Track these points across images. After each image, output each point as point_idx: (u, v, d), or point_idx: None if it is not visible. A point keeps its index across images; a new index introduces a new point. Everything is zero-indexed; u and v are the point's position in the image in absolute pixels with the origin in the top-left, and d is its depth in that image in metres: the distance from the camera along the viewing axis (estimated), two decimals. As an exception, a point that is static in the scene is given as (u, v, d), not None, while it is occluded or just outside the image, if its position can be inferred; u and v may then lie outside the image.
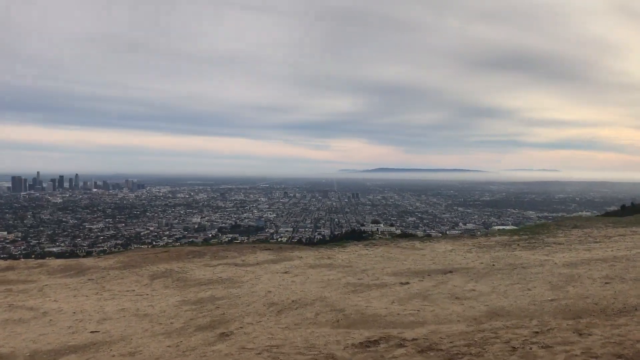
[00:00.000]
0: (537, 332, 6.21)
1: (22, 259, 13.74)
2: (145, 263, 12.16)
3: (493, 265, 10.69)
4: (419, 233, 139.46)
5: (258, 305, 8.19)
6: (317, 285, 9.39)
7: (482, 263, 11.02)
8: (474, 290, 8.66)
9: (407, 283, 9.33)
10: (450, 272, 10.30)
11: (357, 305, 7.89)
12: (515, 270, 10.07)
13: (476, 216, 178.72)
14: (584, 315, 7.01)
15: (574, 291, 8.30)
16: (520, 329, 6.45)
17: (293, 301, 8.30)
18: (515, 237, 16.39)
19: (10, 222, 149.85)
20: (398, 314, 7.38)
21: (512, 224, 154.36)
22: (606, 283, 8.67)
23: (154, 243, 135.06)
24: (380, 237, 16.06)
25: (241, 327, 7.01)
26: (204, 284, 9.95)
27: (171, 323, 7.37)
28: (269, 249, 13.97)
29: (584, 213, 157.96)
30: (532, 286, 8.69)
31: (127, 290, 9.57)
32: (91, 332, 7.08)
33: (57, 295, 9.32)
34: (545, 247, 13.72)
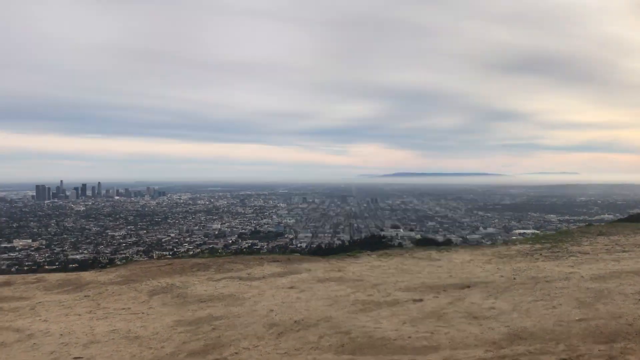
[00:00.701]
0: (564, 359, 5.51)
1: (21, 274, 13.29)
2: (147, 277, 11.64)
3: (514, 278, 9.92)
4: (439, 237, 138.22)
5: (258, 326, 7.58)
6: (323, 303, 8.75)
7: (502, 276, 10.25)
8: (493, 308, 7.92)
9: (421, 300, 8.63)
10: (468, 286, 9.56)
11: (365, 327, 7.23)
12: (538, 285, 9.28)
13: (496, 220, 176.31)
14: (617, 339, 6.25)
15: (605, 309, 7.52)
16: (546, 355, 5.74)
17: (296, 322, 7.67)
18: (538, 246, 15.50)
19: (35, 230, 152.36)
20: (409, 337, 6.70)
21: (533, 228, 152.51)
22: (640, 300, 7.88)
23: (175, 249, 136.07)
24: (395, 247, 15.25)
25: (236, 353, 6.42)
26: (203, 301, 9.37)
27: (162, 347, 6.80)
28: (277, 261, 13.35)
29: (607, 216, 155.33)
30: (558, 303, 7.93)
31: (123, 308, 9.03)
32: (74, 358, 6.55)
33: (48, 314, 8.82)
34: (569, 257, 12.85)
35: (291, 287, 10.28)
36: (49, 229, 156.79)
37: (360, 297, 9.12)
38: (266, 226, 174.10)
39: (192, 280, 11.46)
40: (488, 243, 16.64)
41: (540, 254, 13.77)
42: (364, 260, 13.84)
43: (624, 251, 13.51)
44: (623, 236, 16.82)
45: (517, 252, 14.44)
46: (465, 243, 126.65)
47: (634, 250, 13.60)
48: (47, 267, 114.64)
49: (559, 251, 14.19)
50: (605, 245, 14.95)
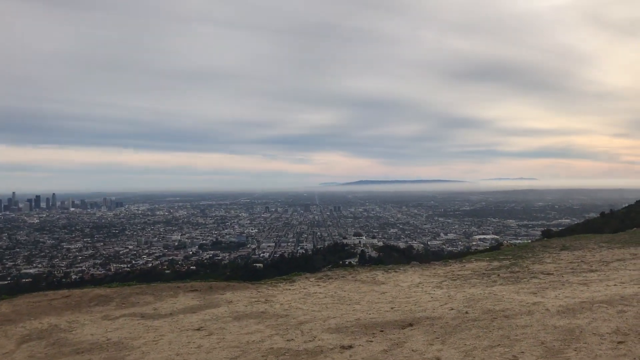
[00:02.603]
0: None
1: None
2: (30, 316, 9.49)
3: (466, 313, 8.22)
4: (401, 244, 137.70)
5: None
6: (227, 355, 6.84)
7: (452, 309, 8.53)
8: (438, 358, 6.18)
9: (350, 347, 6.82)
10: (411, 324, 7.81)
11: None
12: (495, 322, 7.58)
13: (457, 226, 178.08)
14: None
15: (578, 358, 5.87)
16: None
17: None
18: (495, 264, 13.97)
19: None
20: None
21: (493, 233, 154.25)
22: (619, 343, 6.27)
23: (133, 262, 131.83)
24: (340, 266, 13.41)
25: None
26: (81, 352, 7.34)
27: None
28: (195, 290, 11.36)
29: (564, 220, 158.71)
30: (519, 350, 6.22)
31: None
32: None
33: None
34: (531, 280, 11.29)
35: (198, 329, 8.33)
36: (0, 243, 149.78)
37: (277, 343, 7.24)
38: (228, 236, 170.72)
39: (84, 318, 9.37)
40: (439, 262, 14.91)
41: (498, 275, 12.19)
42: (300, 286, 11.98)
43: (591, 270, 12.03)
44: (588, 251, 15.47)
45: (472, 272, 12.84)
46: (425, 251, 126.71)
47: (602, 269, 12.13)
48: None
49: (519, 271, 12.64)
50: (570, 262, 13.51)
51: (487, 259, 15.06)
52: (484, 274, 12.59)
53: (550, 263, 13.66)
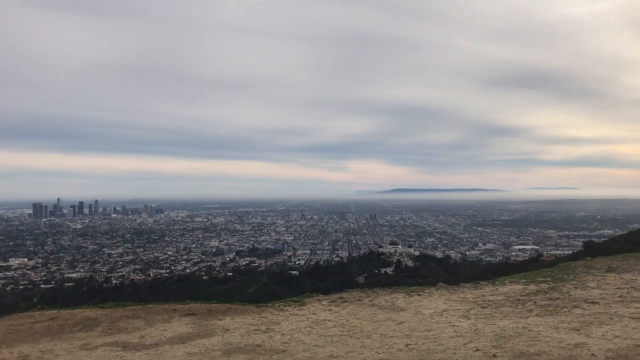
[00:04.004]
0: None
1: None
2: (3, 343, 8.62)
3: (494, 356, 6.84)
4: (438, 254, 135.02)
5: None
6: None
7: (477, 350, 7.16)
8: None
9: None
10: (425, 371, 6.51)
11: None
12: (528, 371, 6.22)
13: (495, 236, 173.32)
14: None
15: None
16: None
17: None
18: (532, 288, 12.40)
19: (31, 248, 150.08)
20: None
21: (533, 243, 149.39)
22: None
23: (172, 267, 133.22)
24: (357, 288, 12.09)
25: None
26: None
27: None
28: (192, 314, 10.30)
29: (607, 231, 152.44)
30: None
31: None
32: None
33: None
34: (573, 310, 9.74)
35: (180, 367, 7.25)
36: (45, 247, 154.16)
37: (262, 390, 6.07)
38: (264, 243, 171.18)
39: (61, 347, 8.43)
40: (469, 284, 13.33)
41: (535, 303, 10.67)
42: (309, 311, 10.78)
43: (644, 299, 10.40)
44: (638, 273, 13.69)
45: (505, 298, 11.35)
46: (463, 261, 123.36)
47: (657, 298, 10.47)
48: (42, 285, 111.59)
49: (558, 297, 11.07)
50: (618, 288, 11.83)
51: (523, 281, 13.49)
52: (518, 300, 11.10)
53: (594, 288, 12.01)
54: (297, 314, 10.52)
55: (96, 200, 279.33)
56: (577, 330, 7.87)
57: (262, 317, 10.21)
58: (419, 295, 12.15)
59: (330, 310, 10.83)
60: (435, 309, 10.53)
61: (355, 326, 9.33)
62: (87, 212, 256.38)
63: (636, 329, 7.82)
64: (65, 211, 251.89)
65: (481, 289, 12.75)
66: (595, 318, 8.76)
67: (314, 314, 10.52)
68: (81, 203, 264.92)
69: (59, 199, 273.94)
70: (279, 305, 11.29)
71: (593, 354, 6.49)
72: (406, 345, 7.68)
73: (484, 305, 10.71)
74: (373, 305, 11.09)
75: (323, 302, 11.52)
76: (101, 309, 10.57)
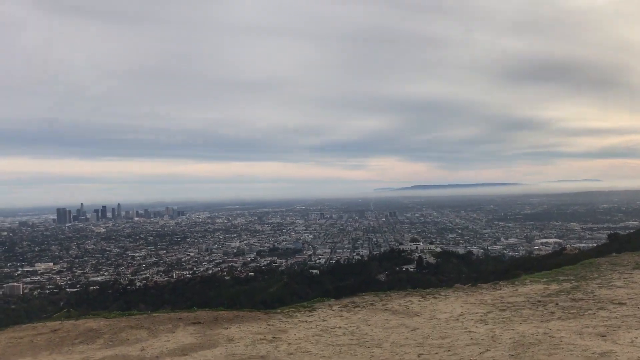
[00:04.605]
0: None
1: None
2: (2, 357, 8.36)
3: (512, 368, 6.34)
4: (460, 250, 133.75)
5: None
6: None
7: (493, 359, 6.66)
8: None
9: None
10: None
11: None
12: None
13: (518, 230, 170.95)
14: None
15: None
16: None
17: None
18: (554, 287, 11.83)
19: (56, 253, 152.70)
20: None
21: (556, 237, 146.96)
22: None
23: (195, 268, 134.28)
24: (370, 294, 11.61)
25: None
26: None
27: None
28: (198, 323, 9.98)
29: (632, 223, 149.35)
30: None
31: None
32: None
33: None
34: (598, 312, 9.16)
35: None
36: (70, 252, 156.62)
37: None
38: (284, 243, 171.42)
39: (56, 362, 8.15)
40: (488, 285, 12.74)
41: (557, 305, 10.13)
42: (319, 317, 10.40)
43: (673, 300, 9.73)
44: (668, 270, 13.01)
45: (525, 300, 10.82)
46: (485, 257, 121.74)
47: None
48: (68, 289, 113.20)
49: (582, 298, 10.50)
50: (645, 287, 11.19)
51: (544, 280, 12.91)
52: (539, 301, 10.56)
53: (621, 287, 11.39)
54: (306, 321, 10.14)
55: (119, 204, 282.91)
56: (603, 336, 7.32)
57: (269, 325, 9.86)
58: (435, 298, 11.68)
59: (341, 316, 10.43)
60: (451, 313, 10.06)
61: (366, 334, 8.92)
62: (110, 216, 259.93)
63: (667, 335, 7.23)
64: (88, 216, 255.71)
65: (500, 289, 12.22)
66: (623, 322, 8.18)
67: (323, 320, 10.14)
68: (104, 207, 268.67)
69: (82, 203, 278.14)
70: (288, 312, 10.94)
71: (620, 364, 5.95)
72: (418, 356, 7.23)
73: (503, 307, 10.21)
74: (386, 310, 10.67)
75: (334, 308, 11.13)
76: (105, 319, 10.33)
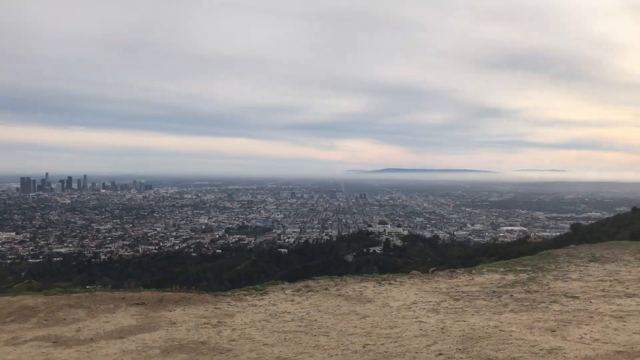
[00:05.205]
0: None
1: None
2: None
3: (457, 363, 6.10)
4: (427, 234, 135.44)
5: None
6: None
7: (440, 354, 6.42)
8: None
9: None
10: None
11: None
12: (493, 384, 5.47)
13: (484, 217, 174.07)
14: None
15: None
16: None
17: None
18: (510, 278, 11.69)
19: (19, 222, 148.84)
20: None
21: (521, 225, 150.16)
22: None
23: (161, 244, 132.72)
24: (325, 278, 11.26)
25: None
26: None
27: None
28: (142, 304, 9.48)
29: (594, 214, 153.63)
30: None
31: None
32: None
33: None
34: (551, 306, 9.00)
35: (108, 368, 6.46)
36: (33, 222, 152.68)
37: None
38: (254, 221, 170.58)
39: (-16, 342, 7.59)
40: (445, 272, 12.54)
41: (511, 296, 9.95)
42: (269, 301, 10.00)
43: (627, 295, 9.62)
44: (623, 265, 12.99)
45: (480, 289, 10.63)
46: (451, 242, 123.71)
47: (642, 293, 9.73)
48: (30, 260, 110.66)
49: (537, 290, 10.35)
50: (601, 280, 11.13)
51: (502, 269, 12.78)
52: (494, 292, 10.38)
53: (576, 280, 11.31)
54: (255, 305, 9.75)
55: (85, 176, 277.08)
56: (553, 331, 7.13)
57: (216, 309, 9.43)
58: (390, 284, 11.42)
59: (293, 300, 10.07)
60: (404, 301, 9.79)
61: (315, 320, 8.58)
62: (76, 187, 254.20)
63: (617, 331, 7.09)
64: (53, 186, 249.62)
65: (456, 278, 12.03)
66: (574, 316, 8.04)
67: (274, 304, 9.76)
68: (70, 178, 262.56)
69: (47, 173, 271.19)
70: (238, 295, 10.51)
71: (567, 363, 5.75)
72: (364, 346, 6.92)
73: (457, 297, 9.99)
74: (339, 296, 10.35)
75: (287, 292, 10.76)
76: (44, 296, 9.74)
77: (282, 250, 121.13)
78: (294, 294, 10.50)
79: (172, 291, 10.38)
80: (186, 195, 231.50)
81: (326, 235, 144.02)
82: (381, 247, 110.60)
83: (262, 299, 10.22)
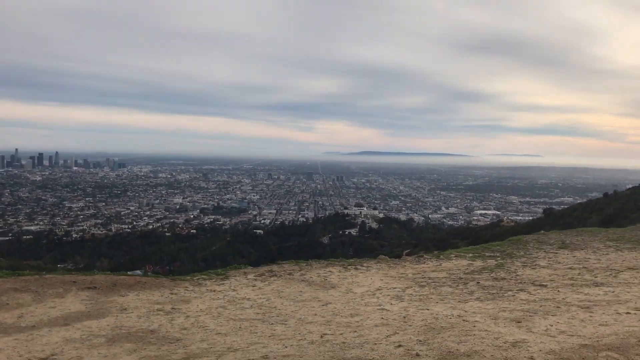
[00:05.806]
0: None
1: None
2: None
3: (417, 355, 5.80)
4: (402, 216, 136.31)
5: None
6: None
7: (400, 346, 6.12)
8: None
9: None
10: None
11: None
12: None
13: (459, 200, 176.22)
14: None
15: None
16: None
17: None
18: (478, 264, 11.50)
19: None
20: None
21: (495, 209, 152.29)
22: None
23: (134, 223, 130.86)
24: (290, 262, 10.89)
25: None
26: None
27: None
28: (93, 288, 8.99)
29: (567, 199, 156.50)
30: None
31: None
32: None
33: None
34: (517, 294, 8.79)
35: (45, 358, 6.00)
36: (2, 199, 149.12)
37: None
38: (229, 202, 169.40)
39: None
40: (412, 257, 12.29)
41: (478, 283, 9.73)
42: (229, 286, 9.60)
43: (595, 284, 9.48)
44: (592, 252, 12.90)
45: (446, 276, 10.39)
46: (426, 224, 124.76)
47: (609, 282, 9.56)
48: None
49: (504, 278, 10.15)
50: (570, 268, 10.99)
51: (470, 255, 12.59)
52: (460, 279, 10.15)
53: (544, 267, 11.15)
54: (214, 290, 9.34)
55: (57, 152, 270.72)
56: (519, 322, 6.88)
57: (172, 294, 8.99)
58: (356, 269, 11.11)
59: (254, 286, 9.68)
60: (368, 287, 9.49)
61: (275, 307, 8.21)
62: (47, 164, 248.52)
63: (584, 322, 6.87)
64: (24, 162, 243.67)
65: (424, 263, 11.79)
66: (541, 306, 7.81)
67: (234, 290, 9.36)
68: (41, 154, 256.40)
69: (17, 149, 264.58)
70: (198, 279, 10.08)
71: (531, 357, 5.49)
72: (321, 336, 6.58)
73: (423, 283, 9.73)
74: (303, 281, 10.00)
75: (249, 276, 10.36)
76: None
77: (258, 231, 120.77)
78: (256, 279, 10.12)
79: (128, 275, 9.90)
80: (160, 175, 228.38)
81: (302, 217, 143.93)
82: (357, 230, 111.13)
83: (222, 284, 9.81)
